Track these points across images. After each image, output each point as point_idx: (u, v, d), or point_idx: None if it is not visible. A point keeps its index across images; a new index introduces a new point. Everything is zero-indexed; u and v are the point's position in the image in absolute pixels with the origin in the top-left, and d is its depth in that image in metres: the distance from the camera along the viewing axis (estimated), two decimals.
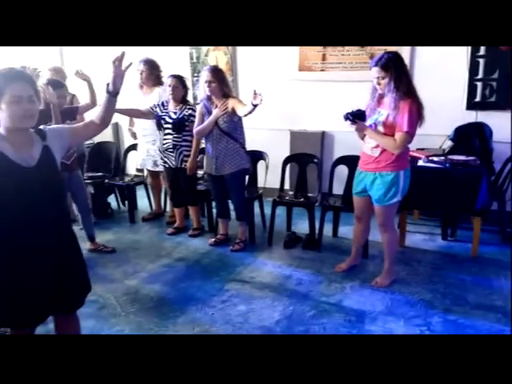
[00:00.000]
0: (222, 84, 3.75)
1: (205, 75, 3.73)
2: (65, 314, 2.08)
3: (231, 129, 3.81)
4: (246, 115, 3.57)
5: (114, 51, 1.95)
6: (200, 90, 3.87)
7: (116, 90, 1.97)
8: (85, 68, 4.04)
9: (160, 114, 4.11)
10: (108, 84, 1.98)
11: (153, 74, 4.46)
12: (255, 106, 3.34)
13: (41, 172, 1.83)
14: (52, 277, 1.90)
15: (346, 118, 3.11)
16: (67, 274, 1.97)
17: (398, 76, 2.90)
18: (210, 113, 3.83)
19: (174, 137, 4.10)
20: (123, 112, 4.16)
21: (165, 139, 4.14)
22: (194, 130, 3.94)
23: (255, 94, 3.29)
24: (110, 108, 2.02)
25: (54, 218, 1.90)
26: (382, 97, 3.07)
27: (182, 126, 4.07)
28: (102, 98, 2.04)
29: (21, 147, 1.81)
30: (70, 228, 2.05)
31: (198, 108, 3.95)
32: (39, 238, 1.85)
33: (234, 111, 3.71)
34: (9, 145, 1.78)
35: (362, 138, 3.23)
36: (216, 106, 3.79)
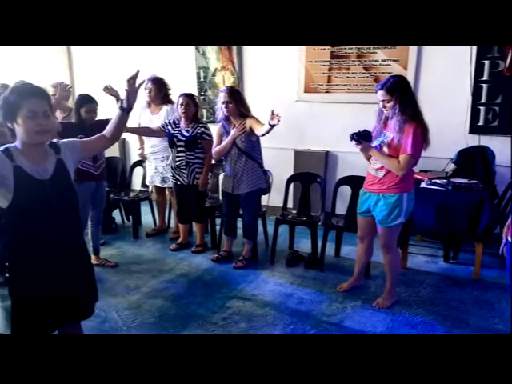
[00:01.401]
0: (239, 104, 3.80)
1: (222, 96, 3.78)
2: (73, 322, 2.12)
3: (249, 148, 3.86)
4: (263, 135, 3.61)
5: (119, 51, 1.98)
6: (218, 111, 3.91)
7: (130, 106, 2.08)
8: (92, 67, 4.04)
9: (172, 132, 4.16)
10: (122, 100, 2.10)
11: (161, 92, 4.49)
12: (272, 126, 3.37)
13: (55, 184, 1.89)
14: (62, 287, 1.96)
15: (352, 137, 3.14)
16: (77, 283, 2.03)
17: (403, 99, 2.95)
18: (228, 133, 3.88)
19: (187, 154, 4.14)
20: (134, 131, 4.22)
21: (177, 157, 4.17)
22: (213, 151, 3.98)
23: (273, 114, 3.32)
24: (121, 123, 2.13)
25: (67, 229, 1.96)
26: (388, 119, 3.10)
27: (194, 143, 4.12)
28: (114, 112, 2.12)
29: (35, 160, 1.87)
30: (82, 239, 2.13)
31: (217, 129, 4.00)
32: (52, 248, 1.91)
33: (252, 131, 3.76)
34: (24, 158, 1.84)
35: (368, 158, 3.25)
36: (234, 126, 3.84)
